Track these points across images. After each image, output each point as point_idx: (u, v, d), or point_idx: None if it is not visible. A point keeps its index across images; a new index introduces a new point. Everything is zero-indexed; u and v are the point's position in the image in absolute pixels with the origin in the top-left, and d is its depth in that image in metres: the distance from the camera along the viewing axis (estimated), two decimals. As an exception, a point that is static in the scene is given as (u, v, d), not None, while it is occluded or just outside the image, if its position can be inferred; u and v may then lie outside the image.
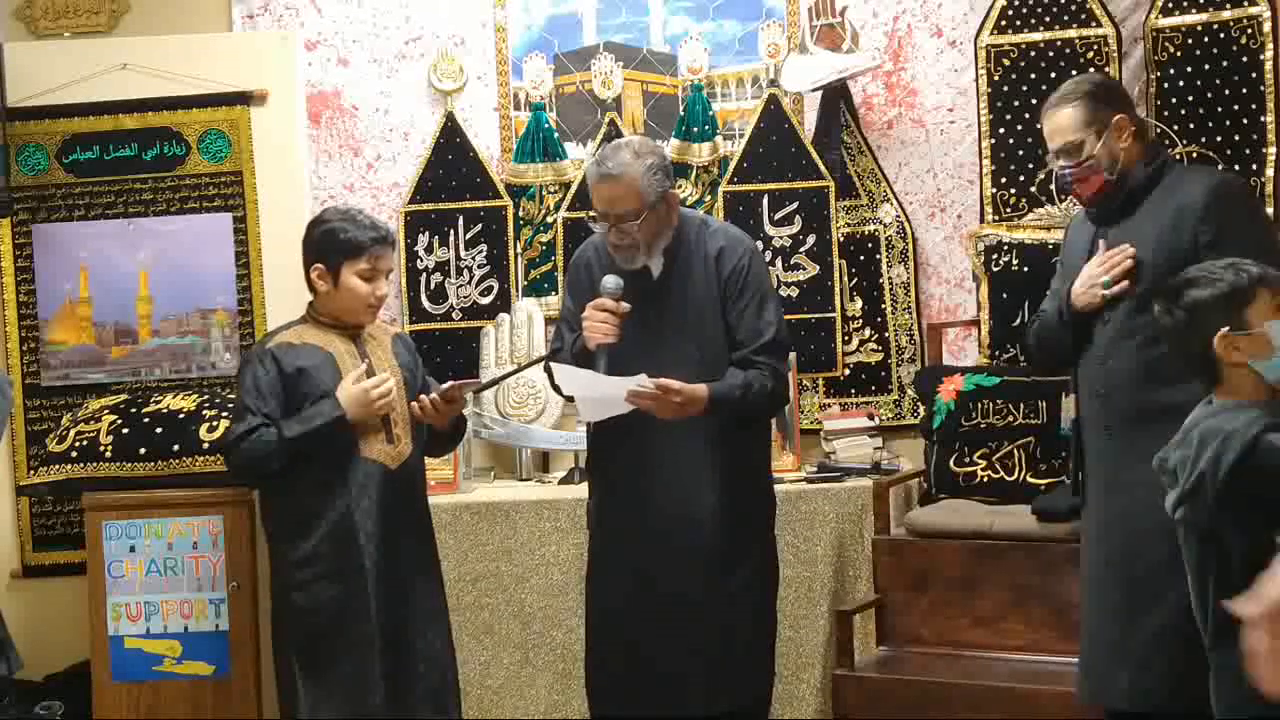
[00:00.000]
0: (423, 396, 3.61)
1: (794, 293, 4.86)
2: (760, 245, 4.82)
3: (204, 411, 4.45)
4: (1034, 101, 4.61)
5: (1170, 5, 4.44)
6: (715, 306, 3.56)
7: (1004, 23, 4.64)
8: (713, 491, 3.53)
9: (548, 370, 3.66)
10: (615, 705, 3.63)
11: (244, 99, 4.81)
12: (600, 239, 3.66)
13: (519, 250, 4.97)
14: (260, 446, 3.50)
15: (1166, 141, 4.32)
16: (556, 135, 4.94)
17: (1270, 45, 4.30)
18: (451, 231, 4.94)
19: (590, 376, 3.41)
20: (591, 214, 3.62)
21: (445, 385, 3.64)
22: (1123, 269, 3.37)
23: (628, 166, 3.47)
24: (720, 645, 3.53)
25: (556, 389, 3.67)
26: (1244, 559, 2.56)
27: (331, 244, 3.59)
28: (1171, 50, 4.44)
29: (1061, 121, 3.46)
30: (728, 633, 3.55)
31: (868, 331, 4.91)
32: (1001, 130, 4.65)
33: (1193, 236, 3.29)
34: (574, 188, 4.89)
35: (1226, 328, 2.61)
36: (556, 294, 4.87)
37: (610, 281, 3.48)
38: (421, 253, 4.95)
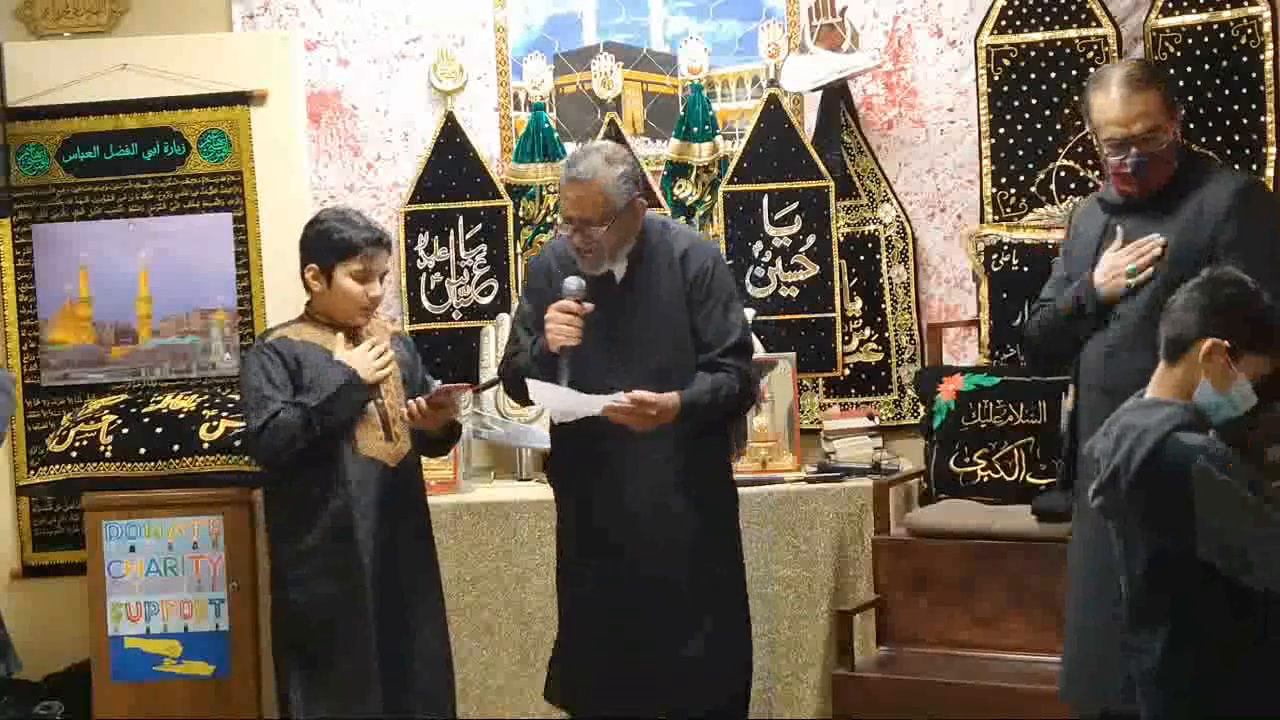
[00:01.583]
0: (411, 401, 3.61)
1: (794, 293, 4.86)
2: (760, 245, 4.85)
3: (204, 411, 4.45)
4: (1034, 101, 4.62)
5: (1170, 5, 4.44)
6: (681, 309, 3.56)
7: (1004, 23, 4.64)
8: (681, 491, 3.54)
9: (505, 378, 3.67)
10: (591, 705, 3.63)
11: (244, 99, 4.82)
12: (561, 243, 3.67)
13: (519, 250, 4.97)
14: (286, 424, 3.50)
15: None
16: (556, 135, 4.94)
17: (1270, 45, 4.30)
18: (451, 231, 4.94)
19: (567, 393, 3.40)
20: (556, 218, 3.61)
21: (434, 389, 3.64)
22: (1150, 257, 3.32)
23: (597, 171, 3.46)
24: (696, 644, 3.55)
25: (515, 397, 3.67)
26: (1149, 554, 2.59)
27: (325, 244, 3.60)
28: (1171, 50, 4.44)
29: (1147, 106, 3.33)
30: (704, 631, 3.56)
31: (868, 331, 4.91)
32: (1001, 130, 4.65)
33: (1212, 237, 3.26)
34: (574, 188, 4.89)
35: (1228, 342, 2.62)
36: (556, 294, 4.87)
37: (572, 283, 3.47)
38: (421, 253, 4.95)
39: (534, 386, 3.43)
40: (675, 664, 3.53)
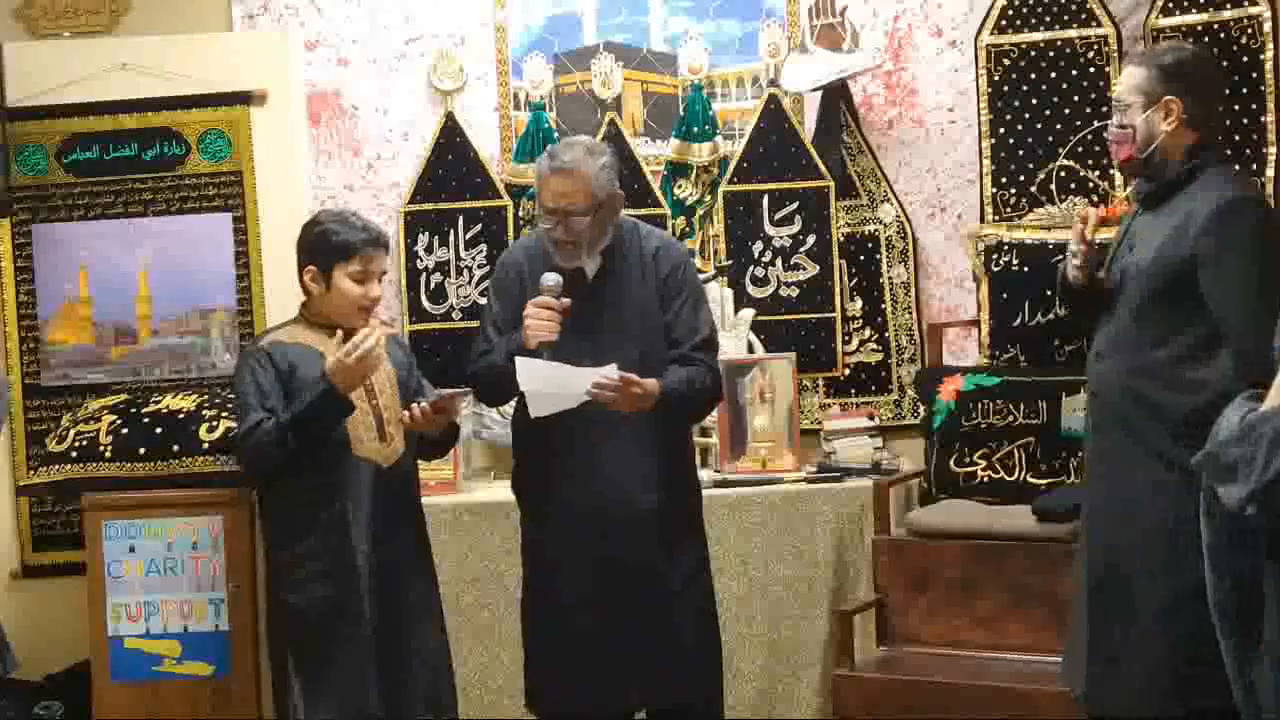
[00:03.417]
0: (413, 405, 3.61)
1: (794, 293, 4.86)
2: (760, 245, 4.86)
3: (204, 411, 4.45)
4: (1034, 101, 4.62)
5: (1170, 5, 4.44)
6: (655, 305, 3.60)
7: (1004, 23, 4.64)
8: (648, 490, 3.56)
9: (476, 377, 3.66)
10: (563, 708, 3.64)
11: (244, 99, 4.81)
12: (532, 241, 3.70)
13: (519, 250, 4.96)
14: (263, 438, 3.49)
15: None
16: (556, 135, 4.93)
17: (1270, 45, 4.30)
18: (451, 231, 4.94)
19: (554, 368, 3.40)
20: (532, 213, 3.62)
21: (434, 395, 3.64)
22: (1077, 231, 3.44)
23: (581, 162, 3.49)
24: (668, 641, 3.57)
25: (486, 398, 3.73)
26: None
27: (324, 246, 3.59)
28: (1172, 50, 4.44)
29: (1124, 77, 3.44)
30: (676, 629, 3.58)
31: (868, 331, 4.91)
32: (1001, 130, 4.65)
33: (1190, 250, 3.24)
34: (574, 188, 4.88)
35: None
36: (556, 294, 4.87)
37: (550, 278, 3.48)
38: (421, 253, 4.95)
39: (521, 364, 3.42)
40: (648, 662, 3.55)
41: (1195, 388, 3.19)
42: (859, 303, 4.91)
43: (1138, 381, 3.29)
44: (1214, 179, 3.36)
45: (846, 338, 4.89)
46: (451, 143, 4.93)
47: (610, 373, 3.38)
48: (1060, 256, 4.32)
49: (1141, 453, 3.27)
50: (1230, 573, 2.66)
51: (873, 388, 4.92)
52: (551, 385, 3.42)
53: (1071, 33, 4.60)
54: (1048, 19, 4.61)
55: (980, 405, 4.35)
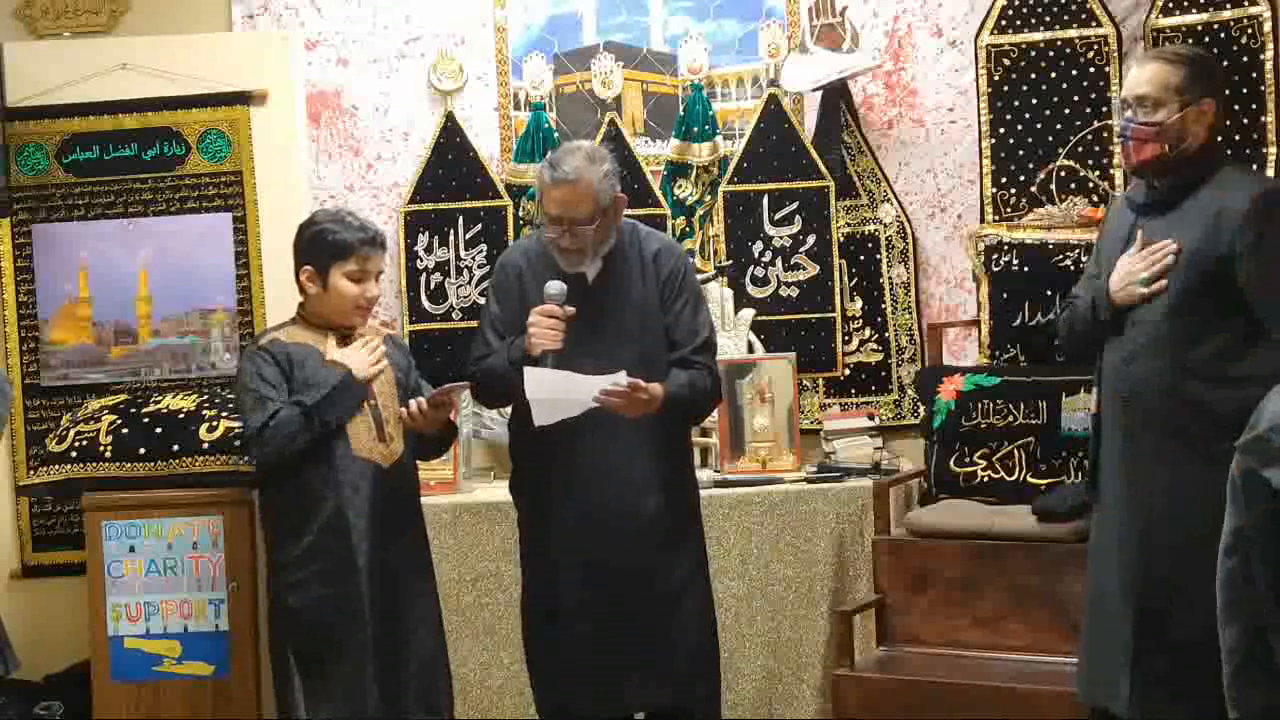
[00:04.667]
0: (411, 402, 3.61)
1: (794, 293, 4.86)
2: (760, 245, 4.86)
3: (204, 411, 4.45)
4: (1034, 101, 4.62)
5: (1170, 5, 4.44)
6: (655, 308, 3.62)
7: (1004, 23, 4.64)
8: (649, 494, 3.57)
9: (477, 380, 3.67)
10: (567, 708, 3.64)
11: (244, 99, 4.81)
12: (531, 242, 3.72)
13: (519, 250, 4.96)
14: (286, 423, 3.50)
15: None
16: (556, 135, 4.94)
17: (1270, 45, 4.30)
18: (451, 231, 4.94)
19: (562, 377, 3.41)
20: (534, 220, 3.63)
21: (425, 391, 3.64)
22: (1163, 266, 3.28)
23: (583, 171, 3.50)
24: (669, 643, 3.57)
25: (485, 400, 3.75)
26: None
27: (320, 246, 3.60)
28: (1172, 50, 4.43)
29: (1151, 74, 3.35)
30: (675, 630, 3.59)
31: (868, 331, 4.91)
32: (1001, 130, 4.65)
33: (1231, 241, 3.22)
34: (574, 188, 4.88)
35: None
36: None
37: (554, 287, 3.50)
38: (421, 253, 4.94)
39: (530, 373, 3.43)
40: (647, 663, 3.56)
41: (1240, 383, 3.13)
42: (859, 303, 4.91)
43: (1184, 381, 3.24)
44: (1234, 175, 3.37)
45: (846, 338, 4.89)
46: (451, 143, 4.94)
47: (619, 379, 3.38)
48: (1059, 256, 4.34)
49: (1187, 454, 3.22)
50: (1267, 556, 2.64)
51: (873, 388, 4.92)
52: (559, 393, 3.43)
53: (1071, 33, 4.60)
54: (1048, 19, 4.61)
55: (980, 405, 4.34)
